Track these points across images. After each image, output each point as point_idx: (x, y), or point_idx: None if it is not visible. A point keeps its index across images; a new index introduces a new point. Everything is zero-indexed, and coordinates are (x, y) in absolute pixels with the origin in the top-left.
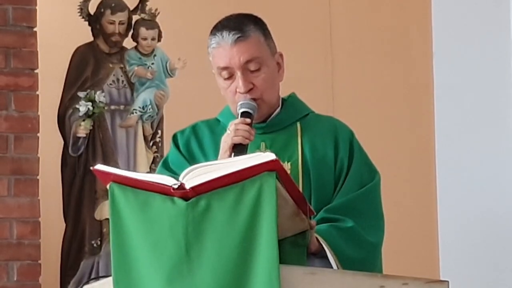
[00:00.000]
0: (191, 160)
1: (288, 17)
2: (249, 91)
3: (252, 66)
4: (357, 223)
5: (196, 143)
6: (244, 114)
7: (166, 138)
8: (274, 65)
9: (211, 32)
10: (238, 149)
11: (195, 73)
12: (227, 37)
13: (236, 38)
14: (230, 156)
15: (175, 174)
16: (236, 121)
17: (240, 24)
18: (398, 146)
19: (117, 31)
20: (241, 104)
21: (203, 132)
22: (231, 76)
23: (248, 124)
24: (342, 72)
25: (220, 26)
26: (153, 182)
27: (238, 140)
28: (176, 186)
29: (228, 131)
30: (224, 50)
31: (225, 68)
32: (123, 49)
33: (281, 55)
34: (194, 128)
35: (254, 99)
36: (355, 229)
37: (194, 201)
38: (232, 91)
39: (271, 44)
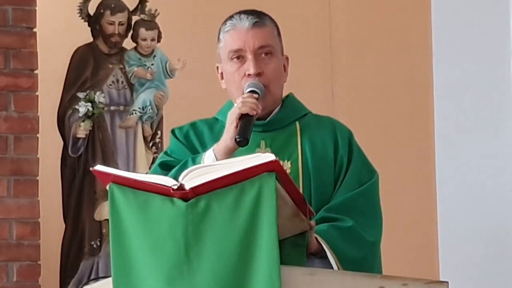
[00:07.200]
0: (191, 149)
1: (288, 17)
2: (258, 75)
3: (264, 53)
4: (356, 222)
5: (196, 136)
6: (251, 92)
7: (166, 139)
8: (281, 62)
9: (226, 19)
10: (245, 120)
11: (195, 74)
12: (245, 20)
13: (254, 22)
14: (236, 126)
15: (176, 160)
16: (244, 95)
17: (258, 13)
18: (398, 146)
19: (116, 32)
20: (248, 84)
21: (202, 129)
22: (241, 61)
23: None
24: (342, 72)
25: (237, 12)
26: (152, 182)
27: (245, 110)
28: (175, 187)
29: (235, 106)
30: (240, 32)
31: (237, 51)
32: (123, 49)
33: (287, 58)
34: (193, 125)
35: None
36: (354, 229)
37: (193, 201)
38: (240, 74)
39: (281, 43)
